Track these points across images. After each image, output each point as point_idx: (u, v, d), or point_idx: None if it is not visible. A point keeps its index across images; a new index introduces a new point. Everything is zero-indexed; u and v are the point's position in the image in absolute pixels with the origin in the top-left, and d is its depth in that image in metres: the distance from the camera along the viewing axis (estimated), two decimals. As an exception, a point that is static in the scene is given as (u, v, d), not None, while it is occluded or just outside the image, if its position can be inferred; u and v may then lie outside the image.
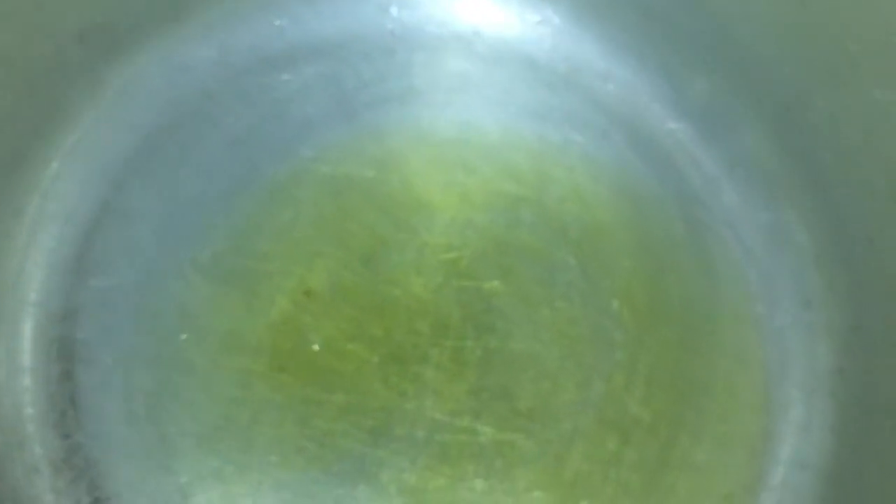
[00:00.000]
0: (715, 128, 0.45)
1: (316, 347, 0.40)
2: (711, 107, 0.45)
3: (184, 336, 0.41)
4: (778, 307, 0.43)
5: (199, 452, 0.39)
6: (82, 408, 0.39)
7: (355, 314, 0.41)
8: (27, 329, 0.40)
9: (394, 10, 0.46)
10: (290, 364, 0.40)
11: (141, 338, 0.40)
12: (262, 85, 0.45)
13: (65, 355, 0.40)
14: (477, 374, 0.40)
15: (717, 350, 0.42)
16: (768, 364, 0.42)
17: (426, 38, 0.46)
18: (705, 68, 0.45)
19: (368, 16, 0.46)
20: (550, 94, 0.46)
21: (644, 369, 0.41)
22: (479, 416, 0.40)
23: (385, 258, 0.42)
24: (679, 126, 0.45)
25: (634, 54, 0.46)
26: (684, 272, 0.43)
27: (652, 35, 0.46)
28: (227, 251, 0.42)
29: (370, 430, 0.39)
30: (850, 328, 0.41)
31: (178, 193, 0.43)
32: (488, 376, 0.41)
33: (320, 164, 0.44)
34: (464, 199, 0.44)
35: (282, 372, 0.40)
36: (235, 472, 0.39)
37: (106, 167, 0.43)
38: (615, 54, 0.46)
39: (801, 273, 0.43)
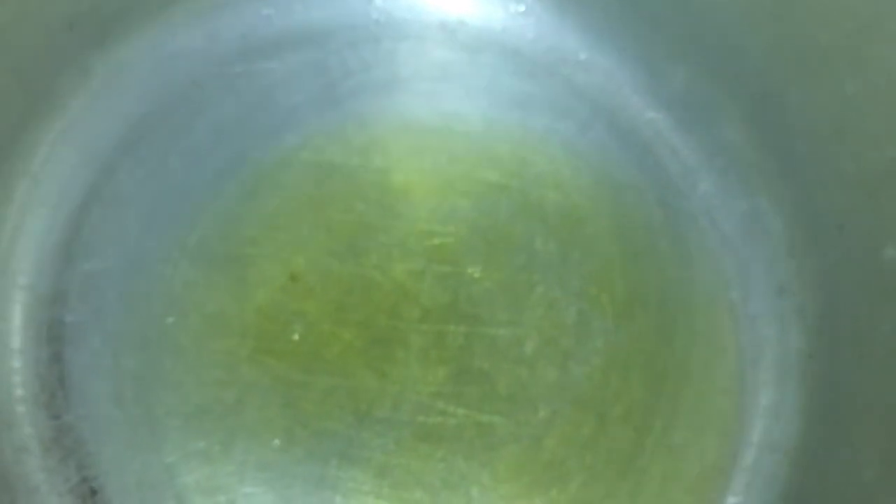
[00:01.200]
0: (693, 118, 0.46)
1: (296, 337, 0.41)
2: (690, 97, 0.46)
3: (171, 319, 0.41)
4: (752, 294, 0.43)
5: (185, 433, 0.40)
6: (71, 389, 0.40)
7: (339, 299, 0.42)
8: (17, 312, 0.41)
9: (379, 0, 0.47)
10: (276, 347, 0.41)
11: (129, 321, 0.41)
12: (248, 73, 0.45)
13: (54, 337, 0.41)
14: (458, 358, 0.41)
15: (692, 336, 0.43)
16: (742, 349, 0.43)
17: (411, 28, 0.47)
18: (684, 59, 0.45)
19: (354, 5, 0.47)
20: (533, 84, 0.47)
21: (621, 355, 0.42)
22: (460, 400, 0.41)
23: (369, 244, 0.43)
24: (658, 116, 0.46)
25: (615, 45, 0.47)
26: (662, 259, 0.44)
27: (633, 26, 0.46)
28: (213, 236, 0.43)
29: (353, 412, 0.40)
30: (821, 315, 0.42)
31: (166, 179, 0.44)
32: (469, 360, 0.41)
33: (306, 151, 0.45)
34: (446, 186, 0.44)
35: (267, 355, 0.41)
36: (221, 453, 0.39)
37: (95, 153, 0.43)
38: (597, 45, 0.47)
39: (774, 261, 0.43)
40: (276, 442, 0.40)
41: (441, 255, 0.43)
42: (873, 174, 0.39)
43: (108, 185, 0.43)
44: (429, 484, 0.39)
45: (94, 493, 0.39)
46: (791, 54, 0.41)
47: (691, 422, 0.41)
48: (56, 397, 0.40)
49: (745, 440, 0.41)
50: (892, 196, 0.39)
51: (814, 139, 0.41)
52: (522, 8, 0.47)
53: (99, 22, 0.43)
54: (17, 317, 0.41)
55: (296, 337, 0.41)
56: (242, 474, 0.39)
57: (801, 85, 0.41)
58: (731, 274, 0.44)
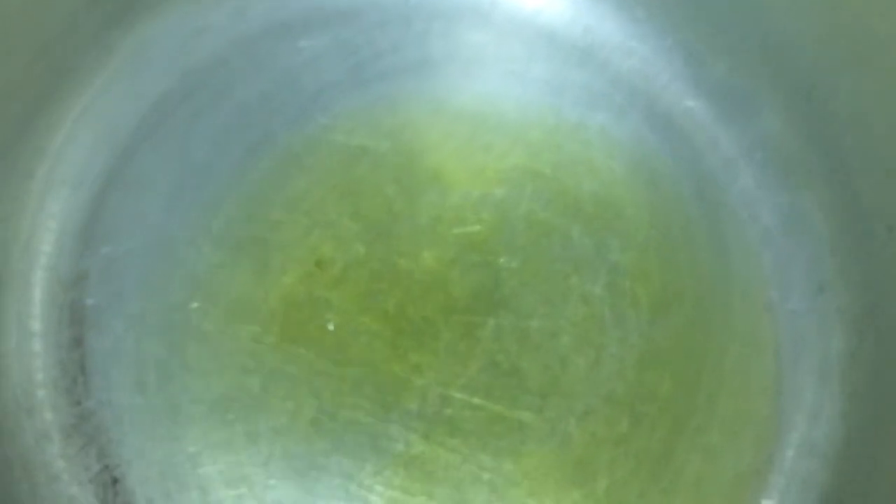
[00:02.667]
0: (734, 108, 0.44)
1: (330, 326, 0.40)
2: (732, 86, 0.44)
3: (194, 304, 0.40)
4: (791, 291, 0.42)
5: (209, 421, 0.39)
6: (93, 375, 0.39)
7: (367, 287, 0.41)
8: (37, 294, 0.40)
9: (412, -21, 0.46)
10: (302, 335, 0.40)
11: (151, 305, 0.40)
12: (275, 52, 0.44)
13: (75, 321, 0.40)
14: (488, 351, 0.40)
15: (729, 332, 0.42)
16: (780, 348, 0.42)
17: (443, 8, 0.46)
18: (727, 47, 0.44)
19: (385, -17, 0.45)
20: (568, 69, 0.46)
21: (655, 351, 0.41)
22: (490, 394, 0.40)
23: (398, 231, 0.42)
24: (697, 105, 0.45)
25: (655, 30, 0.45)
26: (699, 253, 0.43)
27: (673, 11, 0.45)
28: (238, 220, 0.42)
29: (381, 404, 0.39)
30: (863, 314, 0.41)
31: (190, 160, 0.42)
32: (499, 353, 0.40)
33: (334, 133, 0.43)
34: (478, 172, 0.43)
35: (293, 343, 0.40)
36: (245, 442, 0.39)
37: (116, 133, 0.42)
38: (635, 29, 0.46)
39: (815, 258, 0.42)
40: (302, 433, 0.39)
41: (472, 243, 0.42)
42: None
43: (130, 165, 0.42)
44: (456, 479, 0.39)
45: (115, 481, 0.38)
46: (844, 44, 0.39)
47: (727, 422, 0.40)
48: (77, 382, 0.39)
49: (782, 442, 0.40)
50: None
51: (864, 134, 0.40)
52: (558, -11, 0.46)
53: (123, -2, 0.42)
54: (37, 299, 0.40)
55: (330, 327, 0.40)
56: (267, 465, 0.39)
57: (853, 76, 0.39)
58: (771, 270, 0.43)
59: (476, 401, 0.40)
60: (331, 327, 0.40)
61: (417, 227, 0.42)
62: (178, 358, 0.40)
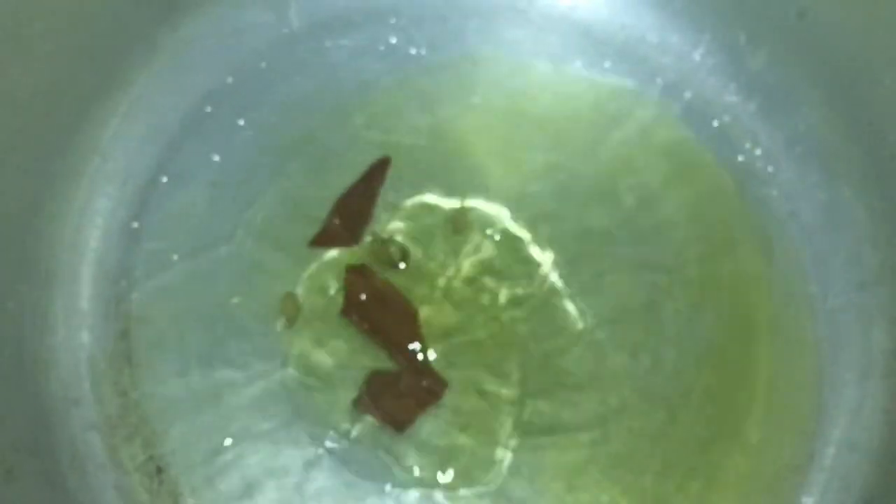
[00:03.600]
0: (774, 103, 0.44)
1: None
2: (771, 81, 0.44)
3: (236, 299, 0.41)
4: (832, 287, 0.42)
5: (249, 413, 0.39)
6: (138, 366, 0.40)
7: (406, 284, 0.41)
8: (85, 289, 0.41)
9: (449, -23, 0.46)
10: (341, 330, 0.41)
11: (194, 299, 0.41)
12: (315, 50, 0.45)
13: (121, 315, 0.41)
14: (525, 346, 0.41)
15: (768, 328, 0.41)
16: (821, 344, 0.41)
17: (480, 5, 0.46)
18: (767, 40, 0.44)
19: (423, -18, 0.46)
20: (605, 65, 0.46)
21: (693, 346, 0.41)
22: (527, 388, 0.40)
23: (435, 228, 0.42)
24: (737, 100, 0.45)
25: (693, 24, 0.45)
26: (737, 248, 0.43)
27: (711, 6, 0.45)
28: (278, 216, 0.42)
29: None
30: (906, 310, 0.40)
31: (232, 157, 0.43)
32: (536, 348, 0.41)
33: (372, 130, 0.44)
34: (516, 169, 0.44)
35: (333, 338, 0.41)
36: (285, 434, 0.39)
37: (161, 130, 0.43)
38: (673, 25, 0.46)
39: (856, 253, 0.42)
40: (343, 426, 0.39)
41: (510, 239, 0.42)
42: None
43: (174, 162, 0.43)
44: (494, 475, 0.39)
45: (160, 470, 0.39)
46: (885, 37, 0.39)
47: (767, 418, 0.40)
48: (123, 374, 0.40)
49: (823, 439, 0.40)
50: None
51: (906, 128, 0.39)
52: (595, -15, 0.46)
53: (167, -3, 0.42)
54: (85, 294, 0.41)
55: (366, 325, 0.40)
56: (307, 457, 0.39)
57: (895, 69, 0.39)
58: (811, 266, 0.42)
59: (513, 395, 0.40)
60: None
61: (455, 222, 0.42)
62: (221, 351, 0.40)
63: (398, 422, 0.39)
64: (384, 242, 0.42)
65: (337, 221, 0.42)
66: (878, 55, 0.40)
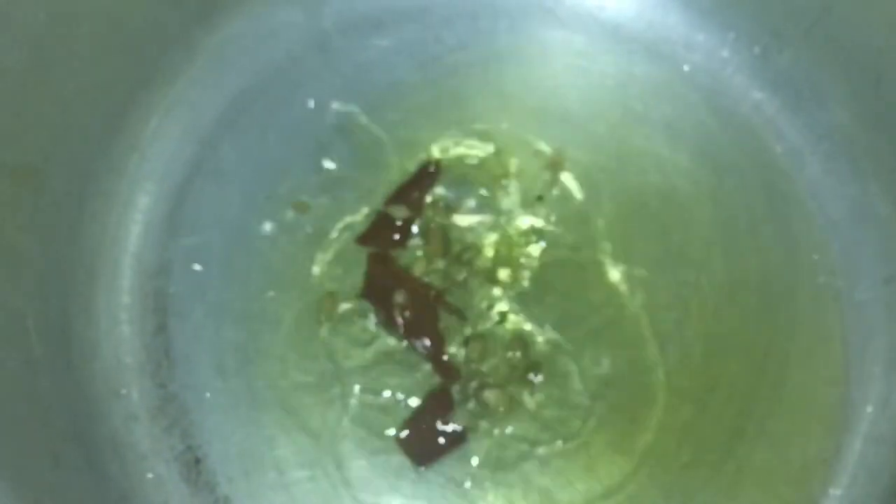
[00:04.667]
0: (800, 98, 0.44)
1: (400, 319, 0.41)
2: (797, 77, 0.44)
3: (271, 293, 0.42)
4: (859, 281, 0.42)
5: (284, 405, 0.40)
6: (176, 359, 0.41)
7: (437, 278, 0.42)
8: (125, 282, 0.42)
9: (478, -23, 0.46)
10: (374, 323, 0.41)
11: (230, 294, 0.42)
12: (347, 50, 0.46)
13: (159, 309, 0.42)
14: (554, 340, 0.41)
15: (795, 322, 0.42)
16: (848, 338, 0.41)
17: (509, 5, 0.46)
18: (792, 37, 0.44)
19: (452, -18, 0.46)
20: (632, 62, 0.46)
21: (720, 340, 0.41)
22: (555, 381, 0.41)
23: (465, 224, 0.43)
24: (763, 96, 0.45)
25: (719, 21, 0.45)
26: (764, 243, 0.43)
27: (738, 3, 0.45)
28: (312, 212, 0.43)
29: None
30: (934, 305, 0.40)
31: (266, 154, 0.44)
32: (565, 342, 0.41)
33: (402, 128, 0.45)
34: (544, 166, 0.44)
35: (365, 331, 0.41)
36: (319, 425, 0.40)
37: (198, 128, 0.44)
38: (699, 22, 0.46)
39: (883, 248, 0.42)
40: (374, 419, 0.40)
41: (538, 236, 0.43)
42: None
43: (211, 159, 0.44)
44: (525, 465, 0.39)
45: (198, 461, 0.40)
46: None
47: (794, 411, 0.40)
48: (161, 367, 0.41)
49: (850, 432, 0.40)
50: None
51: (934, 123, 0.40)
52: (623, -16, 0.46)
53: (205, -1, 0.43)
54: (125, 287, 0.42)
55: (399, 319, 0.41)
56: (341, 447, 0.40)
57: (923, 65, 0.39)
58: (838, 260, 0.43)
59: (542, 390, 0.41)
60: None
61: (483, 221, 0.43)
62: (256, 344, 0.41)
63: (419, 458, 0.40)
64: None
65: (385, 221, 0.42)
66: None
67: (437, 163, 0.43)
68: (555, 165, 0.43)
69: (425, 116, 0.45)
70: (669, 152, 0.45)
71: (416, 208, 0.43)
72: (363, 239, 0.43)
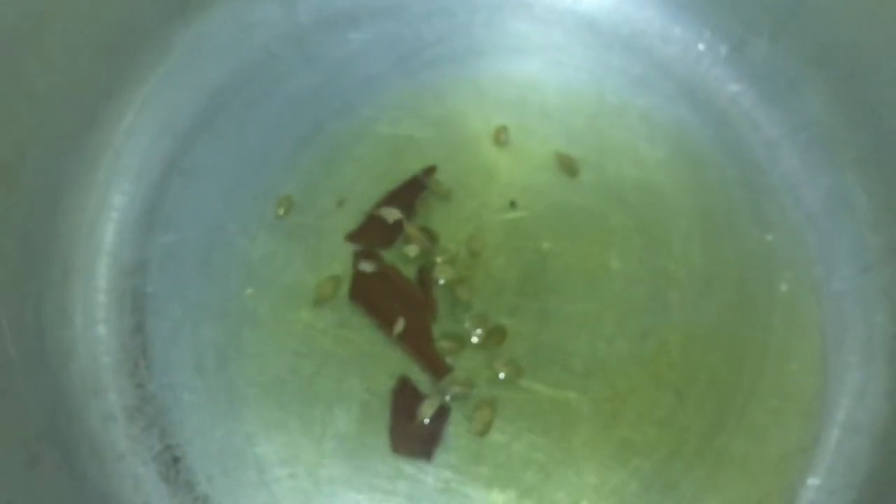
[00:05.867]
0: (776, 91, 0.45)
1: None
2: (773, 69, 0.45)
3: (249, 291, 0.42)
4: (836, 272, 0.43)
5: (264, 403, 0.40)
6: (154, 358, 0.41)
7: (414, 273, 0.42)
8: (101, 281, 0.42)
9: (455, -29, 0.46)
10: (352, 320, 0.41)
11: (208, 292, 0.42)
12: (324, 45, 0.45)
13: (136, 308, 0.42)
14: (534, 333, 0.41)
15: (773, 313, 0.42)
16: (825, 328, 0.42)
17: (486, 0, 0.47)
18: (767, 30, 0.44)
19: (429, -24, 0.46)
20: (609, 56, 0.46)
21: (700, 331, 0.42)
22: (536, 375, 0.41)
23: (444, 218, 0.43)
24: (740, 89, 0.45)
25: (695, 15, 0.46)
26: (742, 235, 0.43)
27: (713, -4, 0.45)
28: (289, 208, 0.43)
29: (429, 386, 0.40)
30: (909, 294, 0.41)
31: (243, 151, 0.44)
32: (545, 335, 0.41)
33: (381, 123, 0.45)
34: (523, 160, 0.44)
35: (344, 327, 0.41)
36: (299, 423, 0.40)
37: (173, 125, 0.44)
38: (676, 16, 0.46)
39: (859, 238, 0.43)
40: (353, 414, 0.40)
41: (517, 228, 0.43)
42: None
43: (188, 156, 0.44)
44: (505, 458, 0.40)
45: (176, 460, 0.40)
46: (885, 24, 0.39)
47: (773, 401, 0.41)
48: (139, 366, 0.41)
49: (828, 421, 0.40)
50: None
51: (907, 113, 0.40)
52: (599, -22, 0.46)
53: (180, -6, 0.43)
54: (101, 287, 0.42)
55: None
56: (320, 444, 0.40)
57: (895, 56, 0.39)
58: (814, 251, 0.43)
59: (523, 382, 0.41)
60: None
61: (463, 213, 0.43)
62: (235, 342, 0.41)
63: (422, 452, 0.40)
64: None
65: (377, 220, 0.42)
66: (878, 42, 0.40)
67: (431, 169, 0.43)
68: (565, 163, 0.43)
69: (403, 111, 0.45)
70: (647, 145, 0.45)
71: (408, 211, 0.43)
72: (353, 236, 0.43)
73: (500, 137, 0.44)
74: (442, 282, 0.42)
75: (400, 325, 0.40)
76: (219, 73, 0.44)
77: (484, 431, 0.40)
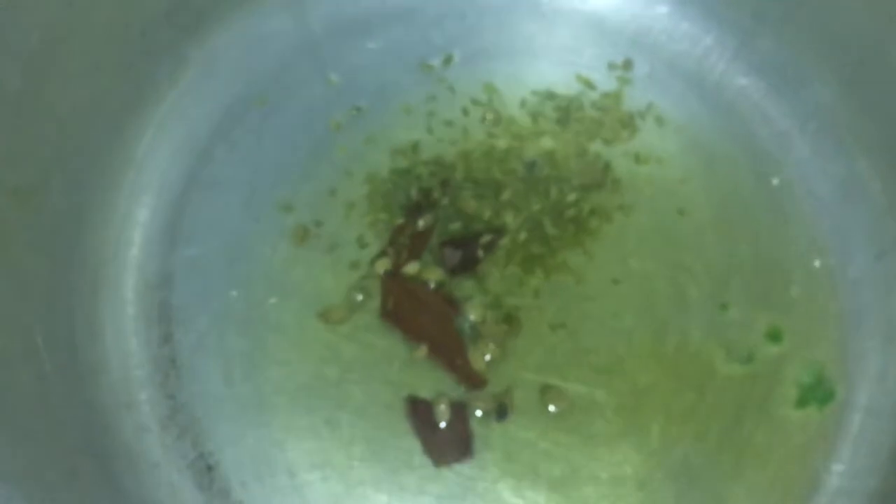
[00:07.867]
0: (785, 81, 0.45)
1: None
2: (781, 60, 0.45)
3: (273, 300, 0.42)
4: (852, 259, 0.43)
5: (292, 409, 0.41)
6: (182, 369, 0.42)
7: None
8: (129, 295, 0.43)
9: (463, -25, 0.47)
10: (375, 324, 0.42)
11: (232, 302, 0.42)
12: (337, 53, 0.46)
13: (164, 319, 0.42)
14: (556, 332, 0.42)
15: (790, 303, 0.42)
16: (843, 315, 0.42)
17: (495, 2, 0.47)
18: (775, 20, 0.44)
19: (438, -19, 0.47)
20: (618, 54, 0.47)
21: (718, 323, 0.42)
22: (560, 373, 0.41)
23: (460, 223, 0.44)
24: (748, 81, 0.46)
25: (702, 10, 0.46)
26: (756, 227, 0.44)
27: (720, -11, 0.46)
28: (309, 218, 0.43)
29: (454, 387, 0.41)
30: (925, 279, 0.41)
31: (261, 162, 0.44)
32: (567, 333, 0.42)
33: (395, 129, 0.45)
34: (536, 160, 0.45)
35: (367, 332, 0.42)
36: (327, 427, 0.40)
37: (192, 139, 0.45)
38: (683, 11, 0.46)
39: (873, 224, 0.43)
40: (381, 416, 0.40)
41: (531, 228, 0.43)
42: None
43: (207, 169, 0.44)
44: (529, 455, 0.40)
45: (210, 468, 0.40)
46: (893, 10, 0.40)
47: (793, 390, 0.41)
48: (169, 377, 0.42)
49: (849, 407, 0.41)
50: None
51: (917, 100, 0.40)
52: (606, -23, 0.47)
53: (193, 11, 0.44)
54: (129, 299, 0.42)
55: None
56: (349, 447, 0.40)
57: (905, 45, 0.40)
58: (829, 239, 0.43)
59: (547, 381, 0.41)
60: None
61: (481, 219, 0.44)
62: (260, 350, 0.42)
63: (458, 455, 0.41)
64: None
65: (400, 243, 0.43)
66: (885, 30, 0.40)
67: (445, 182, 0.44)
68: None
69: (417, 116, 0.45)
70: (660, 141, 0.45)
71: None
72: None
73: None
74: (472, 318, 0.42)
75: (423, 350, 0.41)
76: (234, 86, 0.45)
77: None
